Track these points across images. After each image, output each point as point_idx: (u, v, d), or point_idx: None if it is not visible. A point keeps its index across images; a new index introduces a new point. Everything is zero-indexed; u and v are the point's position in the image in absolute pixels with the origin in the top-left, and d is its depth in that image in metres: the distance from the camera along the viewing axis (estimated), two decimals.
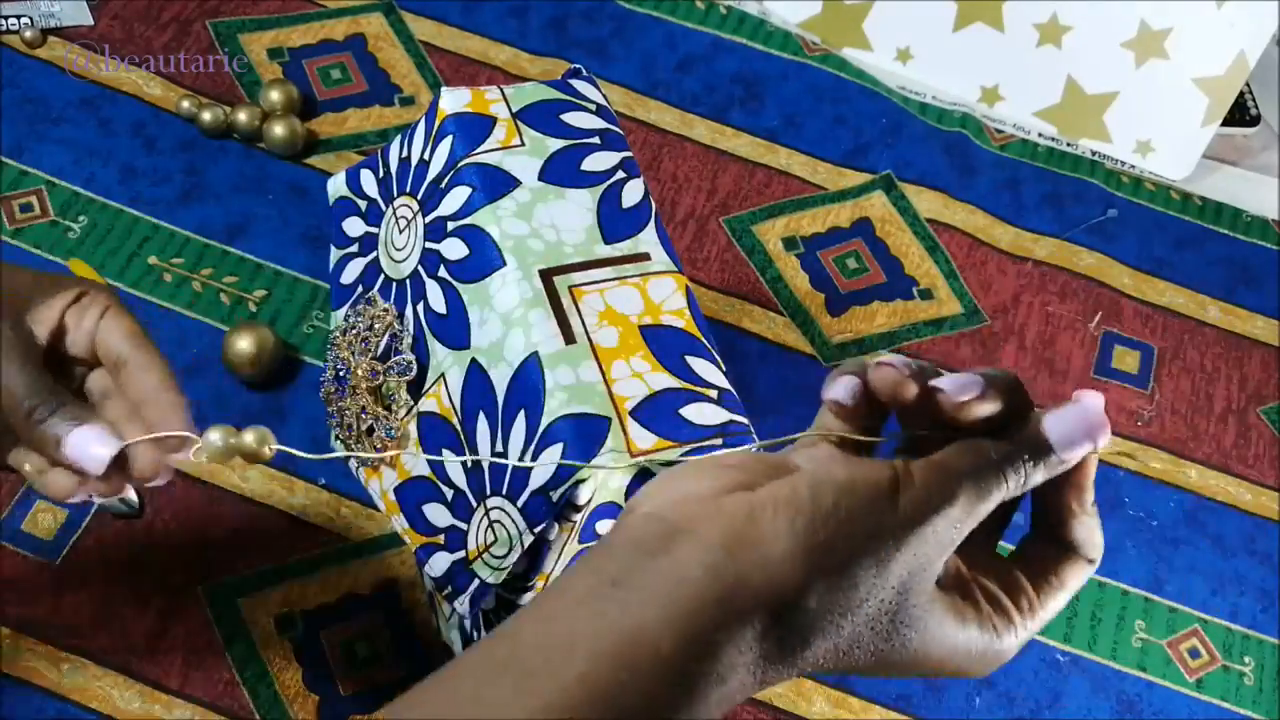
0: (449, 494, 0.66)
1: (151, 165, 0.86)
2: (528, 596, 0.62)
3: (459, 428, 0.65)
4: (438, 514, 0.66)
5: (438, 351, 0.67)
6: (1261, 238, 0.98)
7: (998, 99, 1.02)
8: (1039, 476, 0.42)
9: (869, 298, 0.89)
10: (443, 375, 0.66)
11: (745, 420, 0.61)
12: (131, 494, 0.71)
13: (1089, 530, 0.45)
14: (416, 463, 0.68)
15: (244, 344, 0.76)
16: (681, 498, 0.41)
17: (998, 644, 0.43)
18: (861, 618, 0.40)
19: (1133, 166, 1.00)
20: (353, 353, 0.71)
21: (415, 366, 0.68)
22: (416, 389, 0.69)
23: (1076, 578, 0.45)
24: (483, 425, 0.63)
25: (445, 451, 0.66)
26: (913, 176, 0.96)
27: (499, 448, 0.62)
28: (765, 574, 0.39)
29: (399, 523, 0.70)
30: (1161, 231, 0.97)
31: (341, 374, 0.72)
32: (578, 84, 0.72)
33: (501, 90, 0.70)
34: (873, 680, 0.73)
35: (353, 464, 0.74)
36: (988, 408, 0.42)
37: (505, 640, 0.39)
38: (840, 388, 0.44)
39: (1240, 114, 1.04)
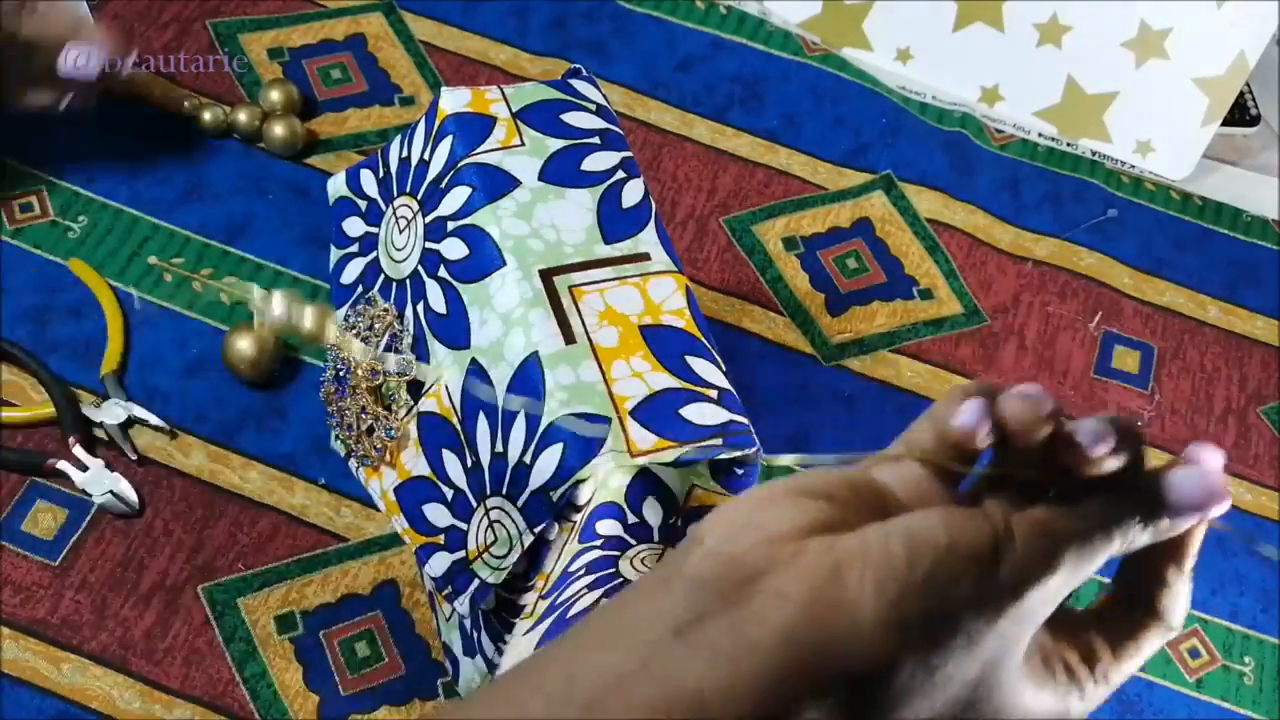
0: (449, 494, 0.66)
1: (151, 165, 0.86)
2: (528, 596, 0.62)
3: (459, 427, 0.65)
4: (438, 514, 0.66)
5: (438, 351, 0.67)
6: (1261, 238, 0.98)
7: (998, 99, 1.02)
8: (1145, 540, 0.38)
9: (869, 298, 0.89)
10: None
11: (745, 420, 0.61)
12: (131, 494, 0.72)
13: (1179, 598, 0.41)
14: (417, 462, 0.68)
15: (244, 344, 0.76)
16: (758, 536, 0.36)
17: (1068, 712, 0.40)
18: (942, 695, 0.36)
19: (1133, 166, 1.00)
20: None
21: (415, 366, 0.68)
22: (416, 389, 0.69)
23: (1154, 645, 0.42)
24: (483, 425, 0.63)
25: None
26: (913, 176, 0.96)
27: (499, 448, 0.62)
28: (848, 645, 0.34)
29: (399, 523, 0.70)
30: (1161, 231, 0.97)
31: (341, 374, 0.72)
32: (578, 84, 0.72)
33: (501, 90, 0.70)
34: None
35: (352, 464, 0.74)
36: (1116, 463, 0.38)
37: (544, 673, 0.35)
38: (970, 413, 0.38)
39: (1240, 114, 1.04)
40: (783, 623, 0.34)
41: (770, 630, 0.34)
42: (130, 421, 0.74)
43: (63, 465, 0.72)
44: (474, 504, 0.64)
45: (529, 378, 0.61)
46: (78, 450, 0.72)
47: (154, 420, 0.74)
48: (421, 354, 0.69)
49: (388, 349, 0.70)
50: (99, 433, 0.74)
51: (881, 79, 1.02)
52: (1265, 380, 0.90)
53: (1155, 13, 0.96)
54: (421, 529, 0.68)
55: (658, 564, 0.36)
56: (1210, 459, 0.38)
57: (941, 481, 0.40)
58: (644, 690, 0.34)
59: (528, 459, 0.60)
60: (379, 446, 0.70)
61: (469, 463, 0.64)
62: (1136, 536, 0.38)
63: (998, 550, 0.36)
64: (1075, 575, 0.37)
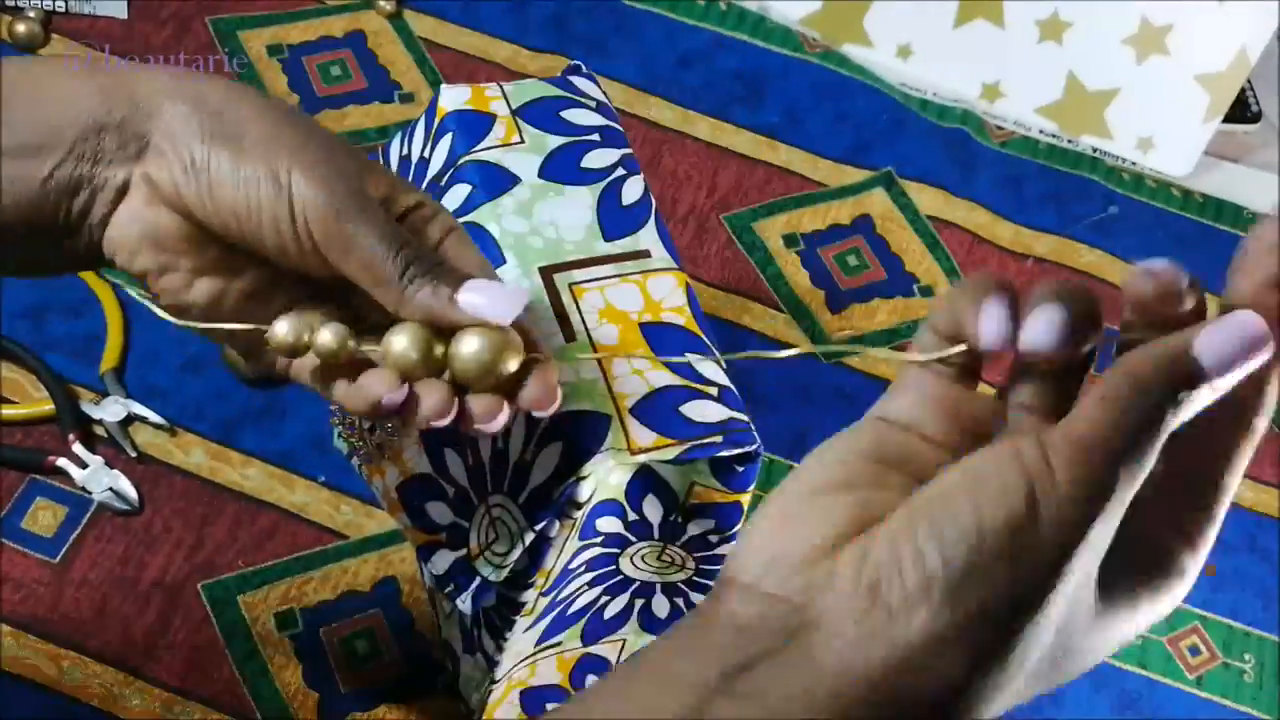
0: (451, 491, 0.66)
1: None
2: (529, 593, 0.62)
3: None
4: (440, 511, 0.66)
5: None
6: None
7: (998, 95, 1.02)
8: (1188, 414, 0.34)
9: (870, 295, 0.89)
10: None
11: (745, 418, 0.61)
12: (131, 491, 0.71)
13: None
14: (419, 460, 0.68)
15: None
16: (789, 561, 0.33)
17: (1166, 601, 0.36)
18: (1020, 680, 0.33)
19: (1134, 163, 1.00)
20: None
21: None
22: None
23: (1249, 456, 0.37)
24: None
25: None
26: (913, 173, 0.96)
27: (499, 446, 0.62)
28: (907, 672, 0.32)
29: (401, 520, 0.70)
30: (1162, 228, 0.97)
31: None
32: (578, 81, 0.72)
33: (501, 87, 0.70)
34: None
35: (355, 461, 0.74)
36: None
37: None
38: (992, 327, 0.36)
39: (1241, 111, 1.03)
40: (835, 664, 0.32)
41: (823, 673, 0.32)
42: (130, 419, 0.74)
43: (62, 463, 0.72)
44: (475, 502, 0.64)
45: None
46: (77, 448, 0.72)
47: (154, 417, 0.74)
48: None
49: None
50: (99, 430, 0.74)
51: (882, 75, 1.02)
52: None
53: (1156, 9, 0.95)
54: (423, 526, 0.68)
55: (693, 611, 0.35)
56: (1239, 314, 0.36)
57: (965, 385, 0.37)
58: None
59: (528, 457, 0.60)
60: (380, 444, 0.70)
61: (470, 461, 0.64)
62: (1185, 414, 0.34)
63: (1036, 506, 0.32)
64: (1130, 488, 0.33)
